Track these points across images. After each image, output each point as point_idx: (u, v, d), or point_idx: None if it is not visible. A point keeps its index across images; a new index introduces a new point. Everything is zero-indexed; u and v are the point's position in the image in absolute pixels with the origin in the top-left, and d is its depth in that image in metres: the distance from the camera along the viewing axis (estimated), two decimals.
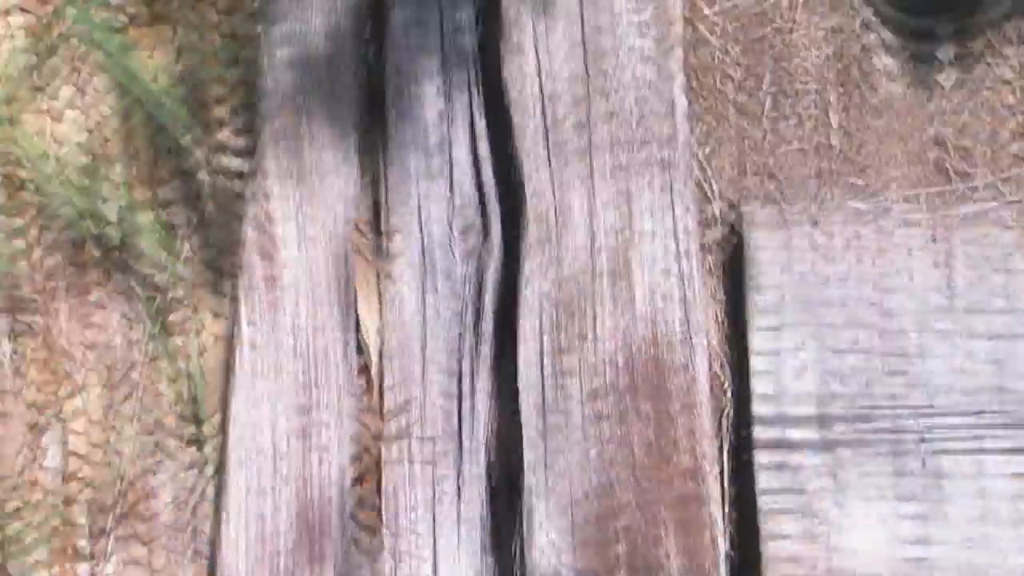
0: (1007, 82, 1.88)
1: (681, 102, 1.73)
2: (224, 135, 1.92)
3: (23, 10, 2.07)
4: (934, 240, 1.70)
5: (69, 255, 1.93)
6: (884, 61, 1.90)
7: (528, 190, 1.69)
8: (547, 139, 1.71)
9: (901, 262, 1.69)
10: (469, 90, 1.79)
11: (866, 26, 1.91)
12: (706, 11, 1.90)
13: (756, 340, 1.66)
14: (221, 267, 1.88)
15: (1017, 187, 1.82)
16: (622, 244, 1.66)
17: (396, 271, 1.71)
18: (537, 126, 1.72)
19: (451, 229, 1.73)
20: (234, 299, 1.71)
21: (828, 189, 1.82)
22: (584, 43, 1.75)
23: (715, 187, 1.81)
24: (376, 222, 1.76)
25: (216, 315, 1.85)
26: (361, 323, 1.71)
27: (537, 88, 1.74)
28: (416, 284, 1.71)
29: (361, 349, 1.71)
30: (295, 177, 1.72)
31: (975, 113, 1.87)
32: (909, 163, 1.84)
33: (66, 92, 2.02)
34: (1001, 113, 1.87)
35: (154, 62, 1.97)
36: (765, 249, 1.70)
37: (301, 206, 1.71)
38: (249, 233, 1.70)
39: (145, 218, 1.86)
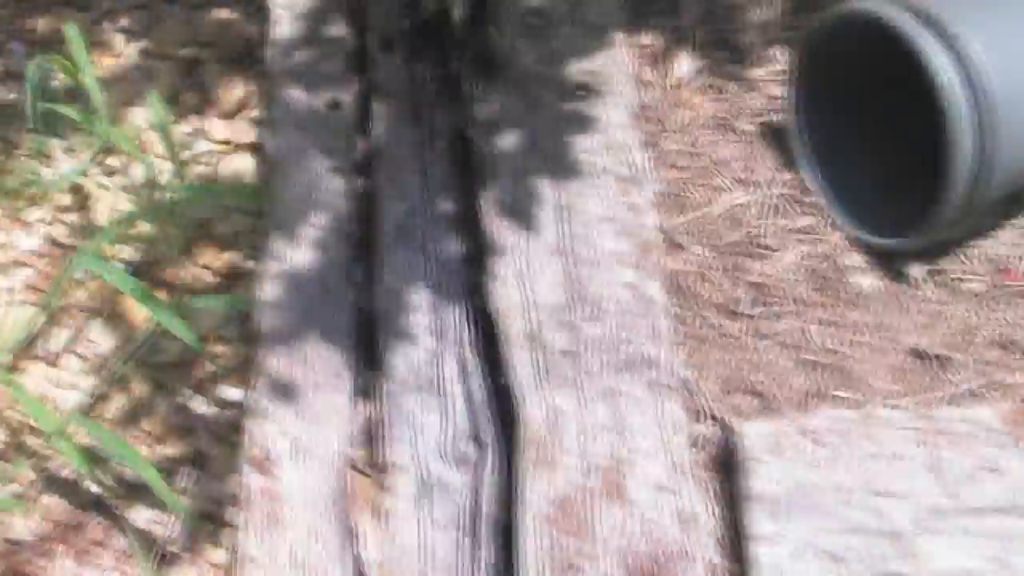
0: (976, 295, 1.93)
1: (664, 325, 1.78)
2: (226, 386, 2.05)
3: (24, 264, 2.17)
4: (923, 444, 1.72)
5: (67, 512, 1.99)
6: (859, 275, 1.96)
7: (522, 417, 1.71)
8: (538, 368, 1.75)
9: (892, 467, 1.70)
10: (459, 326, 1.84)
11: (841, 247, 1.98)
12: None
13: (754, 549, 1.65)
14: (220, 517, 1.93)
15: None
16: (615, 463, 1.67)
17: (392, 503, 1.71)
18: (527, 357, 1.76)
19: (446, 461, 1.74)
20: (233, 548, 1.69)
21: (815, 400, 1.85)
22: (567, 275, 1.82)
23: (704, 403, 1.84)
24: (372, 453, 1.77)
25: (216, 567, 1.89)
26: (361, 555, 1.69)
27: (525, 320, 1.79)
28: (414, 515, 1.71)
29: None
30: (293, 410, 1.75)
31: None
32: (892, 372, 1.87)
33: (65, 337, 2.14)
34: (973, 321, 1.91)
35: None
36: (758, 460, 1.71)
37: (300, 437, 1.73)
38: (246, 469, 1.72)
39: (144, 470, 1.88)
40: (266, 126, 2.03)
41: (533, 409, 1.72)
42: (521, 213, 1.89)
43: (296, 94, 2.02)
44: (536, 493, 1.66)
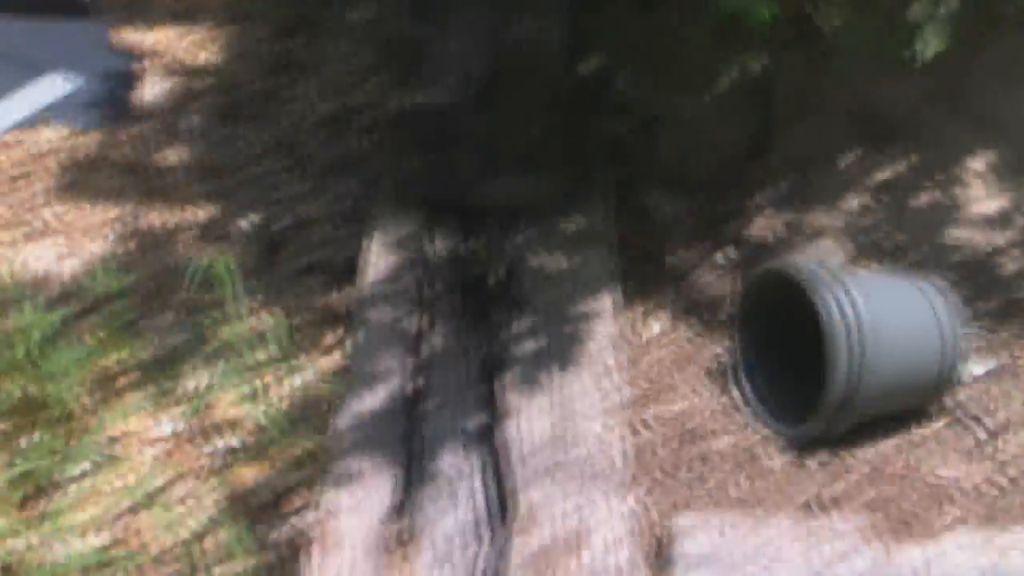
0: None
1: (621, 456, 2.55)
2: None
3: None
4: None
5: None
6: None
7: (514, 504, 2.45)
8: (529, 475, 2.50)
9: None
10: (477, 462, 2.58)
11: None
12: None
13: None
14: None
15: None
16: (581, 529, 2.38)
17: (415, 566, 2.38)
18: (523, 469, 2.52)
19: (459, 541, 2.42)
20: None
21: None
22: (556, 424, 2.62)
23: (652, 517, 2.54)
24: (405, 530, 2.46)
25: None
26: None
27: (522, 450, 2.56)
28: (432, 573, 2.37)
29: None
30: (353, 486, 2.51)
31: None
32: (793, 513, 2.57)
33: None
34: None
35: None
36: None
37: (357, 503, 2.47)
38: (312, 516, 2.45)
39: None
40: (353, 329, 2.87)
41: (523, 499, 2.44)
42: (526, 390, 2.68)
43: (375, 313, 2.88)
44: (519, 551, 2.34)
